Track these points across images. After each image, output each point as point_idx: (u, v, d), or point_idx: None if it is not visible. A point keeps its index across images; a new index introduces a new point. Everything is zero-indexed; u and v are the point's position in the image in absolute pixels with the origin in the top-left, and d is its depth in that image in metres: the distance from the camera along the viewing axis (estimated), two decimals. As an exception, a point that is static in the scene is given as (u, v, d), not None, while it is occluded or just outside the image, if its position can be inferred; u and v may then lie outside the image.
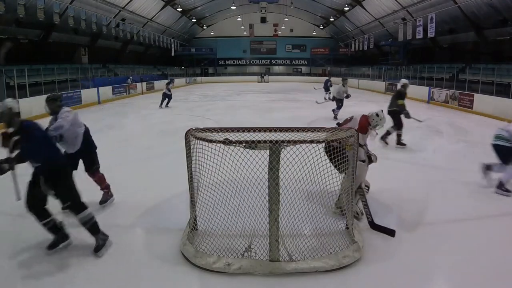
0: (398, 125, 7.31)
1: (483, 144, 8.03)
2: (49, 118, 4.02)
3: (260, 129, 3.19)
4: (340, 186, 3.43)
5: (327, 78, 17.59)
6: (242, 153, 2.94)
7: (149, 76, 27.03)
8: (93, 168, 4.33)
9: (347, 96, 11.20)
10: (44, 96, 4.06)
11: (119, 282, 2.89)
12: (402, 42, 23.20)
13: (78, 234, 3.66)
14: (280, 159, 2.90)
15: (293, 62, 41.20)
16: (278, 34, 39.01)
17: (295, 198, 3.14)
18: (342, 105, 11.05)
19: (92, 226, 3.28)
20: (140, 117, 12.49)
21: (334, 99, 11.33)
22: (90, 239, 3.55)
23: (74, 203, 3.20)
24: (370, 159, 4.15)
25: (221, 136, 3.12)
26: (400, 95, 7.41)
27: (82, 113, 15.19)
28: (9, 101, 3.14)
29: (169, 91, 14.68)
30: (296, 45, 40.62)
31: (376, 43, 27.65)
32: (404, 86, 7.52)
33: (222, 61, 40.78)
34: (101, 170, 4.45)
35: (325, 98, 14.59)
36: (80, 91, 15.46)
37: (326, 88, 16.16)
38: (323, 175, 3.08)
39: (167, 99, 14.64)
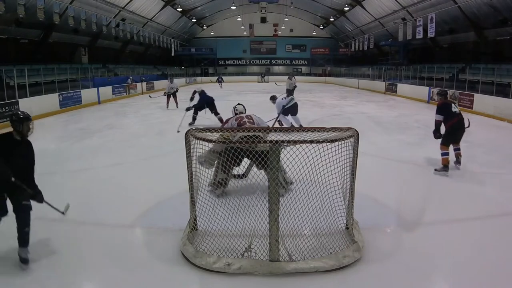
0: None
1: (483, 144, 8.06)
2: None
3: (260, 129, 3.19)
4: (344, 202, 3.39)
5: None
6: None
7: (149, 76, 27.02)
8: None
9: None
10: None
11: (119, 282, 2.89)
12: (402, 42, 23.20)
13: (80, 234, 3.67)
14: (280, 159, 2.90)
15: (293, 62, 41.20)
16: (278, 34, 38.99)
17: (295, 198, 3.14)
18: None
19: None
20: (140, 117, 12.48)
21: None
22: (89, 240, 3.56)
23: None
24: None
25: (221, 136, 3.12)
26: None
27: (82, 113, 15.01)
28: None
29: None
30: (296, 45, 40.61)
31: (376, 43, 27.65)
32: None
33: (222, 61, 40.78)
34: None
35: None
36: (80, 91, 15.43)
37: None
38: (323, 175, 3.08)
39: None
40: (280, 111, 8.78)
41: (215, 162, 4.18)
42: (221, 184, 4.33)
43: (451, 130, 5.60)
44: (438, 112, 5.68)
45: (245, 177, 4.57)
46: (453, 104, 5.72)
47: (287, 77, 19.25)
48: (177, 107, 14.00)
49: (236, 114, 5.21)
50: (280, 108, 8.76)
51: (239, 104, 5.50)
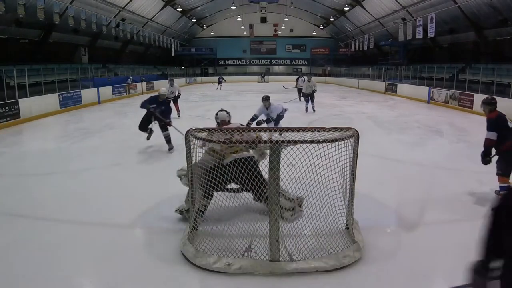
0: None
1: (483, 144, 8.06)
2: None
3: (260, 129, 3.19)
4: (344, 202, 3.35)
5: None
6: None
7: (149, 76, 27.03)
8: None
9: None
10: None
11: (119, 282, 2.89)
12: (402, 42, 23.20)
13: (80, 234, 3.67)
14: (280, 159, 2.90)
15: (293, 62, 41.21)
16: (278, 34, 39.02)
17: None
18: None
19: None
20: (140, 117, 12.44)
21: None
22: (89, 240, 3.56)
23: None
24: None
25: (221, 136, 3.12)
26: None
27: (82, 113, 15.00)
28: None
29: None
30: (296, 45, 40.62)
31: (376, 43, 27.65)
32: None
33: (222, 61, 40.80)
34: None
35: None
36: (80, 91, 15.44)
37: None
38: (323, 175, 3.08)
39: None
40: (277, 121, 7.44)
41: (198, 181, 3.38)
42: (202, 213, 3.41)
43: (509, 154, 4.05)
44: (490, 128, 4.09)
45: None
46: (507, 118, 4.18)
47: (297, 77, 16.86)
48: (179, 116, 11.33)
49: (218, 123, 4.24)
50: (278, 116, 7.42)
51: (221, 110, 4.31)
